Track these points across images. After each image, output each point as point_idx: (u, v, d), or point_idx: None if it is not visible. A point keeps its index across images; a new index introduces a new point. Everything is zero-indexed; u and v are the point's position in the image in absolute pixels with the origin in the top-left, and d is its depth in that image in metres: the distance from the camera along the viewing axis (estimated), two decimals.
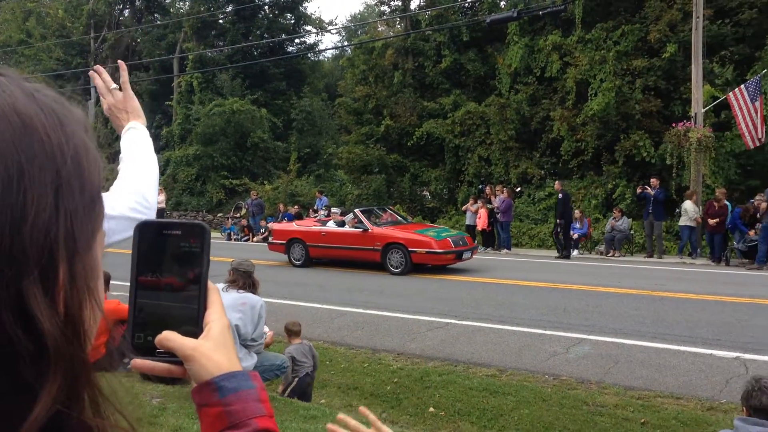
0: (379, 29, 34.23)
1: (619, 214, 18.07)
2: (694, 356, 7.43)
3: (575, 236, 18.32)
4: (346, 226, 15.28)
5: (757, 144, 16.87)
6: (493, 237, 19.84)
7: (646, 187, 17.43)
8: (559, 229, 17.73)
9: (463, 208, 21.16)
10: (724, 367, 6.98)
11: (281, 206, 25.72)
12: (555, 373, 7.07)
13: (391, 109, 27.62)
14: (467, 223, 20.46)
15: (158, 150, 28.49)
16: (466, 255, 14.58)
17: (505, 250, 19.03)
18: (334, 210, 17.58)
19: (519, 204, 22.52)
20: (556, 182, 18.88)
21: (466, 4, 28.34)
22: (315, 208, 24.72)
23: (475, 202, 20.34)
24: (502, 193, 19.44)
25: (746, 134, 16.53)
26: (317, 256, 15.66)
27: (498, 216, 19.19)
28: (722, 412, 5.71)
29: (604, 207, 21.10)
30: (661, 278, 13.22)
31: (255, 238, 23.32)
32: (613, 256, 17.59)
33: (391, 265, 14.24)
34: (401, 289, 12.37)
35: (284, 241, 15.89)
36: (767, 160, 19.05)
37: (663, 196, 17.43)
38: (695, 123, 16.98)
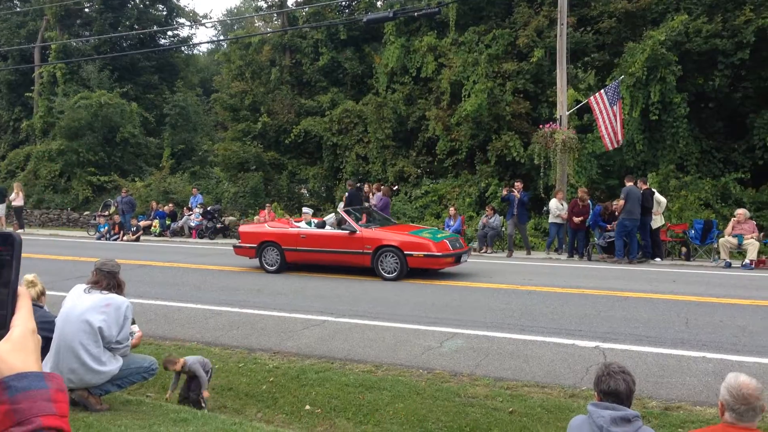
0: (256, 24, 33.71)
1: (492, 212, 18.69)
2: (558, 346, 7.79)
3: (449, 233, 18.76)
4: (327, 227, 14.21)
5: (616, 146, 17.95)
6: None
7: (512, 189, 18.11)
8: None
9: (340, 207, 21.20)
10: (585, 356, 7.37)
11: (153, 204, 24.82)
12: (429, 367, 7.21)
13: (269, 106, 27.30)
14: None
15: (18, 144, 26.76)
16: (463, 258, 13.59)
17: None
18: (305, 210, 16.09)
19: (396, 202, 22.83)
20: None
21: (344, 3, 28.43)
22: (190, 206, 24.05)
23: None
24: (379, 191, 19.63)
25: (606, 136, 17.53)
26: (295, 260, 14.22)
27: None
28: (583, 398, 6.01)
29: (477, 205, 21.77)
30: (530, 273, 13.80)
31: (125, 237, 22.37)
32: (485, 252, 18.18)
33: (384, 270, 13.03)
34: (279, 288, 12.23)
35: (255, 245, 14.42)
36: (624, 161, 20.32)
37: (527, 198, 18.25)
38: (560, 125, 17.83)
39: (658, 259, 15.98)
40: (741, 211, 15.61)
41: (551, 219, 17.48)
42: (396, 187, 24.18)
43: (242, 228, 15.65)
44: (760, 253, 14.99)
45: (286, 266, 14.16)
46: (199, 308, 10.33)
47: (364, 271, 13.58)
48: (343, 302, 10.78)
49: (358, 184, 21.20)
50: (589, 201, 16.86)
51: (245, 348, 8.12)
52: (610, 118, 17.29)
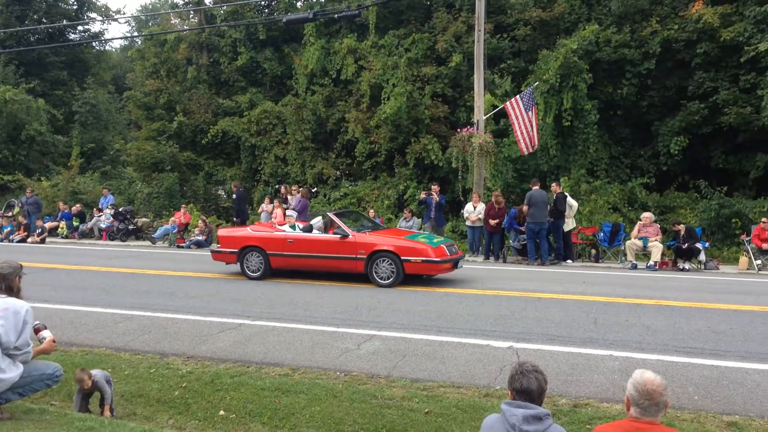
0: (173, 21, 32.93)
1: (410, 215, 18.82)
2: (473, 347, 7.92)
3: None
4: (314, 231, 13.42)
5: (531, 150, 18.42)
6: None
7: (431, 193, 18.32)
8: None
9: (260, 209, 20.94)
10: (499, 356, 7.51)
11: (60, 204, 23.87)
12: (346, 369, 7.19)
13: (185, 105, 26.74)
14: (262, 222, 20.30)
15: None
16: (460, 263, 13.22)
17: None
18: (289, 213, 15.18)
19: (315, 204, 22.73)
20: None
21: (263, 2, 28.14)
22: (99, 206, 23.24)
23: (271, 202, 20.24)
24: (298, 192, 19.50)
25: (521, 141, 17.96)
26: (281, 266, 13.45)
27: None
28: (497, 397, 6.13)
29: (396, 207, 21.91)
30: (447, 275, 13.95)
31: (31, 239, 21.42)
32: None
33: (378, 276, 12.45)
34: (193, 291, 11.96)
35: (236, 250, 13.61)
36: (539, 165, 20.89)
37: (444, 201, 18.54)
38: (477, 129, 18.15)
39: (569, 261, 16.48)
40: (646, 215, 16.28)
41: (469, 222, 17.77)
42: (315, 189, 24.10)
43: (222, 231, 14.76)
44: (663, 255, 15.68)
45: (271, 272, 13.41)
46: (108, 312, 9.97)
47: (295, 273, 13.45)
48: (260, 305, 10.64)
49: (242, 188, 20.99)
50: (504, 204, 17.22)
51: (157, 353, 7.89)
52: (525, 124, 17.72)
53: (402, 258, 12.30)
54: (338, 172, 24.83)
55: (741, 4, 19.68)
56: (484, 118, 18.52)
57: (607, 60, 20.90)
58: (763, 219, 15.82)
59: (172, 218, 21.49)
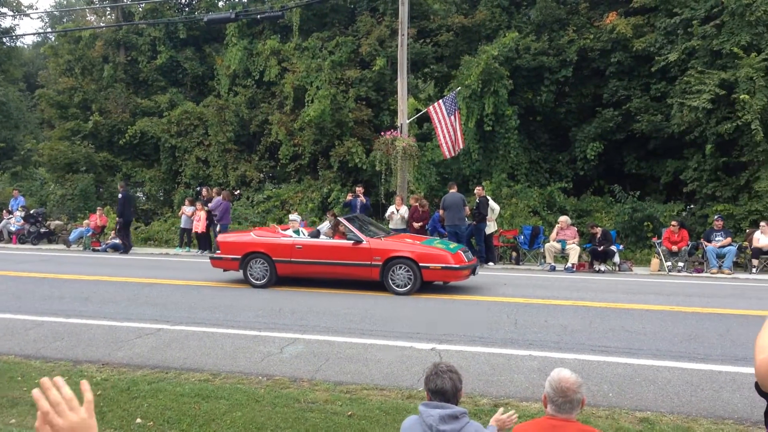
0: (88, 18, 31.86)
1: (333, 217, 18.69)
2: (397, 349, 7.94)
3: None
4: (322, 236, 12.82)
5: (453, 154, 18.67)
6: (210, 240, 19.44)
7: (358, 196, 18.34)
8: None
9: (181, 212, 20.48)
10: (422, 358, 7.56)
11: None
12: (269, 373, 7.09)
13: (101, 104, 25.90)
14: (182, 226, 19.89)
15: None
16: (477, 270, 12.79)
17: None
18: (292, 217, 14.31)
19: (237, 207, 22.40)
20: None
21: (183, 1, 27.55)
22: (9, 209, 22.23)
23: (191, 205, 19.83)
24: (219, 195, 19.17)
25: (444, 145, 18.17)
26: (288, 273, 12.66)
27: (215, 219, 18.88)
28: (419, 399, 6.15)
29: (320, 210, 21.82)
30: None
31: None
32: None
33: (395, 284, 11.88)
34: (109, 296, 11.57)
35: (238, 256, 12.79)
36: (461, 169, 21.21)
37: (369, 203, 18.61)
38: (401, 133, 18.25)
39: (491, 264, 16.78)
40: (563, 218, 16.75)
41: (392, 225, 17.85)
42: (238, 191, 23.75)
43: (222, 237, 13.81)
44: (580, 257, 16.16)
45: (276, 280, 12.67)
46: (18, 319, 9.53)
47: (220, 275, 13.18)
48: (180, 309, 10.38)
49: (128, 189, 20.48)
50: (428, 207, 17.39)
51: (70, 360, 7.58)
52: (448, 128, 17.94)
53: (420, 265, 11.78)
54: (261, 175, 24.55)
55: (652, 15, 20.53)
56: (408, 121, 18.65)
57: (526, 67, 21.42)
58: (673, 222, 16.50)
59: (87, 221, 20.75)
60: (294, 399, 6.22)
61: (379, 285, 12.07)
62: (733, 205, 17.92)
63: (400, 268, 11.90)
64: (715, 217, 16.59)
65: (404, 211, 17.43)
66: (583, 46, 21.11)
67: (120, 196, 18.92)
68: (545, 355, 7.63)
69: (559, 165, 22.27)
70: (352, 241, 12.24)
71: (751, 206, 17.21)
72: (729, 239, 15.87)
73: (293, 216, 14.54)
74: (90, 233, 20.17)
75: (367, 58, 22.57)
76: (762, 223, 15.80)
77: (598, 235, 16.09)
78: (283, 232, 13.20)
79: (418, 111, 19.70)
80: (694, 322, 9.52)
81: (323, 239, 12.68)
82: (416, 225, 16.93)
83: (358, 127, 22.28)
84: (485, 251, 16.92)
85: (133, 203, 19.57)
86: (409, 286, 11.81)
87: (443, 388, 3.38)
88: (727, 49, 17.58)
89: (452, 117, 17.96)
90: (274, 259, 12.60)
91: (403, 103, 18.51)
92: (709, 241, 15.96)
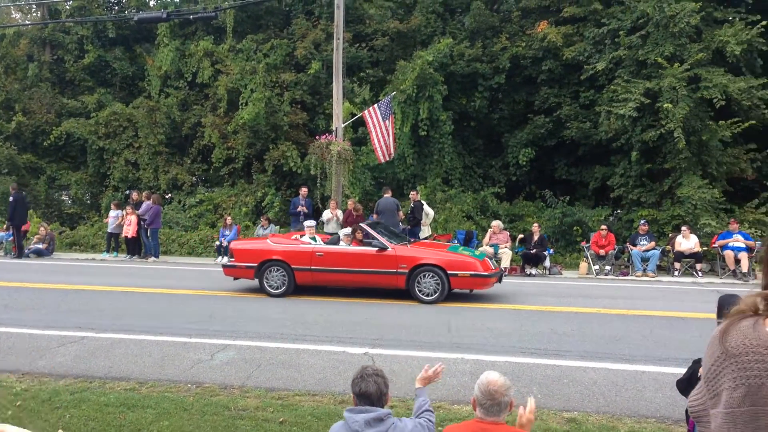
0: (13, 15, 30.71)
1: (267, 222, 18.59)
2: (330, 354, 7.90)
3: (225, 243, 18.38)
4: (341, 243, 12.31)
5: (388, 159, 18.74)
6: (140, 244, 18.98)
7: (302, 201, 18.23)
8: None
9: (106, 217, 19.92)
10: (355, 362, 7.52)
11: None
12: (198, 381, 6.95)
13: (25, 104, 24.95)
14: (109, 230, 19.36)
15: None
16: (503, 278, 12.49)
17: (152, 258, 18.34)
18: (308, 224, 13.72)
19: (168, 211, 21.95)
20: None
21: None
22: None
23: (118, 208, 19.34)
24: (149, 199, 18.73)
25: (378, 149, 18.22)
26: (308, 282, 12.14)
27: (144, 223, 18.44)
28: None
29: (254, 214, 21.57)
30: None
31: None
32: None
33: (422, 292, 11.50)
34: (32, 302, 11.14)
35: (254, 264, 12.20)
36: (396, 173, 21.30)
37: (310, 204, 18.54)
38: (336, 137, 18.22)
39: None
40: (496, 223, 17.02)
41: (327, 229, 17.79)
42: (169, 195, 23.27)
43: (236, 244, 13.15)
44: (512, 261, 16.43)
45: (295, 289, 12.14)
46: None
47: (151, 281, 12.83)
48: (107, 316, 10.07)
49: (21, 190, 19.92)
50: (363, 211, 17.39)
51: None
52: (382, 132, 17.99)
53: (449, 272, 11.45)
54: (194, 178, 24.12)
55: (581, 25, 21.07)
56: (343, 125, 18.63)
57: (461, 73, 21.69)
58: (602, 227, 16.96)
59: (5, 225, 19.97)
60: (224, 406, 6.11)
61: (404, 293, 11.73)
62: (657, 210, 18.53)
63: (428, 275, 11.57)
64: (640, 222, 17.13)
65: (339, 214, 17.39)
66: (516, 54, 21.50)
67: (11, 198, 18.23)
68: (477, 358, 7.71)
69: (493, 170, 22.62)
70: (377, 248, 11.85)
71: (674, 211, 17.83)
72: (653, 243, 16.40)
73: (308, 222, 13.99)
74: (11, 237, 19.40)
75: (303, 62, 22.44)
76: (683, 228, 16.39)
77: (536, 237, 16.42)
78: (301, 239, 12.76)
79: (354, 115, 19.69)
80: (620, 324, 9.78)
81: (349, 247, 12.20)
82: None
83: (293, 131, 22.13)
84: None
85: (26, 206, 18.97)
86: (436, 294, 11.47)
87: (368, 391, 3.38)
88: (651, 59, 18.18)
89: (387, 121, 18.03)
90: (293, 267, 12.09)
91: (339, 107, 18.49)
92: (635, 245, 16.46)
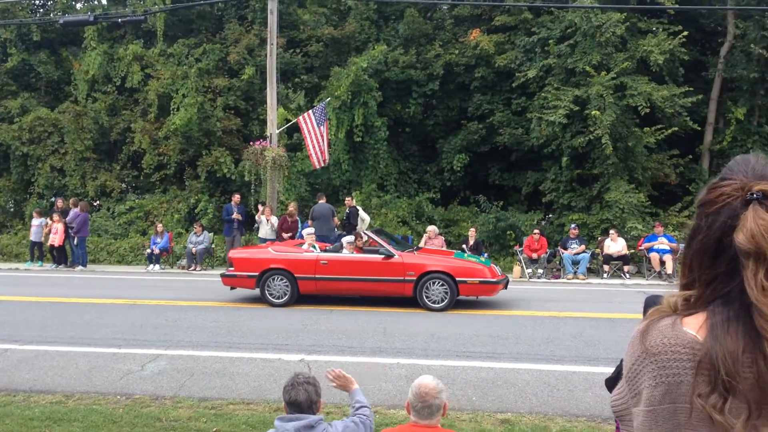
0: None
1: (201, 229, 18.28)
2: (264, 362, 7.80)
3: (156, 251, 17.98)
4: (344, 251, 12.07)
5: (323, 165, 18.65)
6: (67, 254, 18.37)
7: (236, 208, 17.99)
8: None
9: (31, 225, 19.23)
10: (291, 370, 7.41)
11: None
12: (128, 392, 6.76)
13: None
14: (32, 239, 18.69)
15: None
16: (508, 284, 12.33)
17: (80, 267, 17.78)
18: (307, 231, 13.47)
19: (97, 218, 21.34)
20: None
21: (38, 2, 25.99)
22: None
23: (41, 216, 18.72)
24: (76, 206, 18.17)
25: (313, 155, 18.12)
26: (312, 291, 11.84)
27: (71, 231, 17.87)
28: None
29: (186, 221, 21.17)
30: (240, 290, 13.68)
31: None
32: (195, 270, 17.70)
33: (430, 300, 11.35)
34: None
35: (255, 273, 11.85)
36: (331, 179, 21.25)
37: (243, 213, 18.33)
38: (271, 143, 18.05)
39: None
40: (431, 228, 17.14)
41: (261, 234, 17.63)
42: (97, 202, 22.62)
43: (235, 253, 12.79)
44: None
45: (298, 298, 11.82)
46: None
47: (78, 290, 12.40)
48: (31, 328, 9.70)
49: None
50: (297, 217, 17.28)
51: None
52: (317, 138, 17.91)
53: (457, 279, 11.34)
54: (123, 185, 23.50)
55: (513, 34, 21.49)
56: (278, 131, 18.48)
57: (395, 79, 21.81)
58: (535, 231, 17.29)
59: None
60: (155, 418, 5.96)
61: (411, 301, 11.56)
62: (587, 214, 19.02)
63: (435, 283, 11.44)
64: (571, 225, 17.55)
65: (275, 221, 17.24)
66: (449, 61, 21.74)
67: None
68: (413, 362, 7.74)
69: (427, 176, 22.80)
70: (383, 256, 11.67)
71: (603, 215, 18.34)
72: (583, 246, 16.83)
73: (308, 229, 13.73)
74: None
75: (236, 67, 22.16)
76: (611, 231, 16.89)
77: (471, 241, 16.65)
78: (303, 247, 12.46)
79: (288, 121, 19.56)
80: (552, 326, 9.99)
81: (353, 255, 12.02)
82: (286, 236, 16.78)
83: (227, 137, 21.80)
84: None
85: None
86: (445, 302, 11.34)
87: (297, 399, 3.36)
88: (580, 68, 18.68)
89: (321, 127, 17.96)
90: (296, 276, 11.79)
91: (273, 112, 18.33)
92: (566, 249, 16.86)
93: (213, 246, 18.82)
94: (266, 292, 11.84)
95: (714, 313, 1.33)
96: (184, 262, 18.33)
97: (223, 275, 12.59)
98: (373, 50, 21.29)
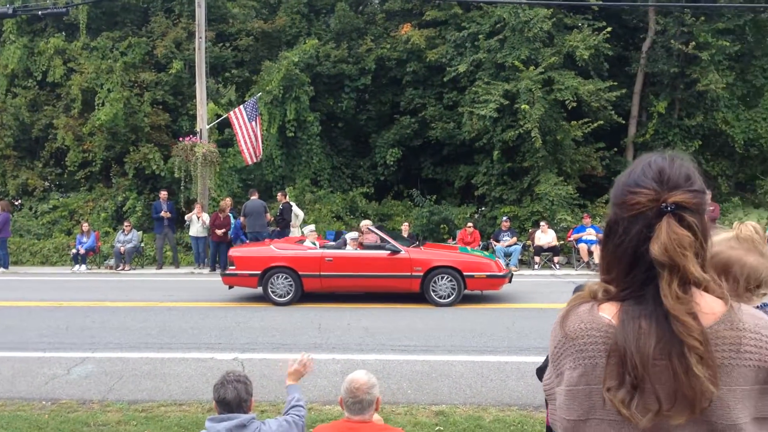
0: None
1: (129, 228, 17.82)
2: (197, 362, 7.66)
3: (82, 251, 17.43)
4: (348, 247, 11.70)
5: (255, 160, 18.45)
6: None
7: (164, 205, 17.60)
8: None
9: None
10: (224, 369, 7.27)
11: None
12: (54, 397, 6.54)
13: None
14: None
15: None
16: (512, 278, 12.18)
17: (1, 269, 17.09)
18: (308, 228, 13.08)
19: (18, 218, 20.55)
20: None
21: None
22: None
23: None
24: None
25: (245, 151, 17.90)
26: (316, 289, 11.56)
27: None
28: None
29: (114, 220, 20.61)
30: (171, 289, 13.44)
31: None
32: (123, 269, 17.24)
33: (437, 295, 11.23)
34: None
35: (258, 272, 11.46)
36: (264, 175, 21.02)
37: (173, 210, 17.94)
38: (201, 138, 17.74)
39: None
40: (365, 223, 17.08)
41: (192, 233, 17.31)
42: (18, 201, 21.78)
43: (236, 251, 12.32)
44: None
45: (302, 296, 11.52)
46: None
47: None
48: None
49: None
50: (229, 213, 17.02)
51: None
52: (249, 134, 17.70)
53: (465, 274, 11.26)
54: (47, 183, 22.70)
55: (443, 28, 21.67)
56: (208, 127, 18.18)
57: (327, 74, 21.71)
58: (468, 224, 17.49)
59: None
60: (83, 423, 5.79)
61: (418, 297, 11.43)
62: (518, 207, 19.36)
63: (443, 278, 11.36)
64: (503, 218, 17.85)
65: (206, 218, 16.95)
66: (381, 56, 21.78)
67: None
68: (348, 357, 7.73)
69: (361, 170, 22.80)
70: (389, 252, 11.50)
71: (533, 207, 18.71)
72: (515, 239, 17.14)
73: (309, 226, 13.42)
74: None
75: (163, 61, 21.64)
76: (542, 223, 17.24)
77: (405, 236, 16.71)
78: (306, 244, 12.18)
79: (219, 116, 19.25)
80: (485, 318, 10.13)
81: (358, 251, 11.76)
82: (219, 232, 16.52)
83: (155, 133, 21.29)
84: None
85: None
86: (452, 297, 11.29)
87: (225, 398, 3.31)
88: (509, 62, 18.98)
89: (253, 123, 17.75)
90: (300, 273, 11.52)
91: (203, 108, 18.02)
92: (498, 241, 17.13)
93: (142, 245, 18.37)
94: (269, 290, 11.61)
95: (627, 310, 1.38)
96: (112, 261, 17.83)
97: (223, 274, 12.33)
98: (305, 44, 21.14)
